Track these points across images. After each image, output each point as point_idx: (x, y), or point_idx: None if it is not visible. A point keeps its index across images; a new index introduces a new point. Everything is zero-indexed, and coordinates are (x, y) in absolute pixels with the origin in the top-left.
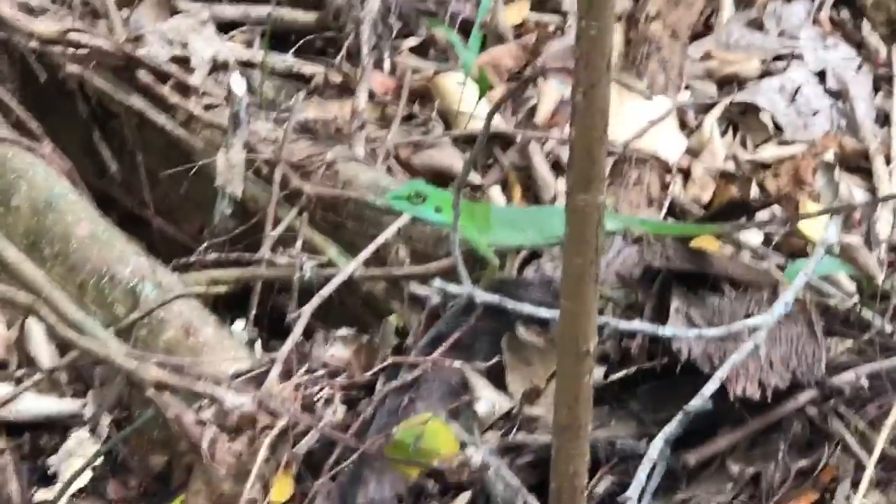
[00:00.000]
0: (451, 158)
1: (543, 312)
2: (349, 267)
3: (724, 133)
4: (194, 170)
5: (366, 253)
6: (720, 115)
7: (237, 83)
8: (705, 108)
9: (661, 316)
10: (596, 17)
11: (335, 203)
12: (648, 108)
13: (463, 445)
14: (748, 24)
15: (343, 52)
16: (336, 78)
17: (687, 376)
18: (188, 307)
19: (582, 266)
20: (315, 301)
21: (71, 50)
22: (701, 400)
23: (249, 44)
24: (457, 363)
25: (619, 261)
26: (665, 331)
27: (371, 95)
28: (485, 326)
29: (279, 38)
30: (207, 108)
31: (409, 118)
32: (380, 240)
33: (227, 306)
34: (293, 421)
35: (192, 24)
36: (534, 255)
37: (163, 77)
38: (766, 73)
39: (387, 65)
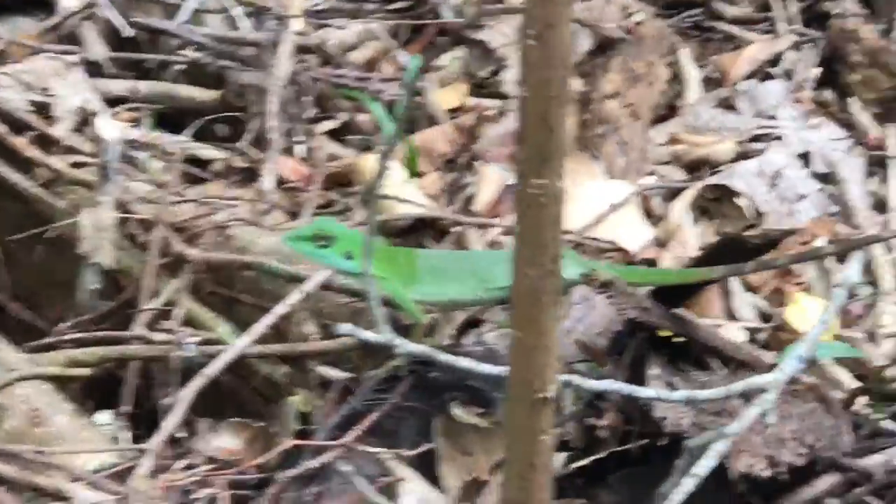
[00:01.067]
0: None
1: (487, 368)
2: (240, 341)
3: (695, 222)
4: (53, 236)
5: (263, 324)
6: (691, 202)
7: (107, 127)
8: (673, 195)
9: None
10: None
11: (228, 274)
12: (607, 192)
13: None
14: (718, 105)
15: (250, 135)
16: (240, 164)
17: (671, 456)
18: (36, 392)
19: (537, 279)
20: (197, 382)
21: None
22: (693, 482)
23: (136, 122)
24: (376, 449)
25: (582, 326)
26: (645, 392)
27: (281, 182)
28: (411, 405)
29: (173, 120)
30: (74, 166)
31: (325, 206)
32: (280, 308)
33: (93, 398)
34: None
35: (55, 66)
36: (470, 323)
37: (18, 127)
38: (741, 156)
39: (299, 150)
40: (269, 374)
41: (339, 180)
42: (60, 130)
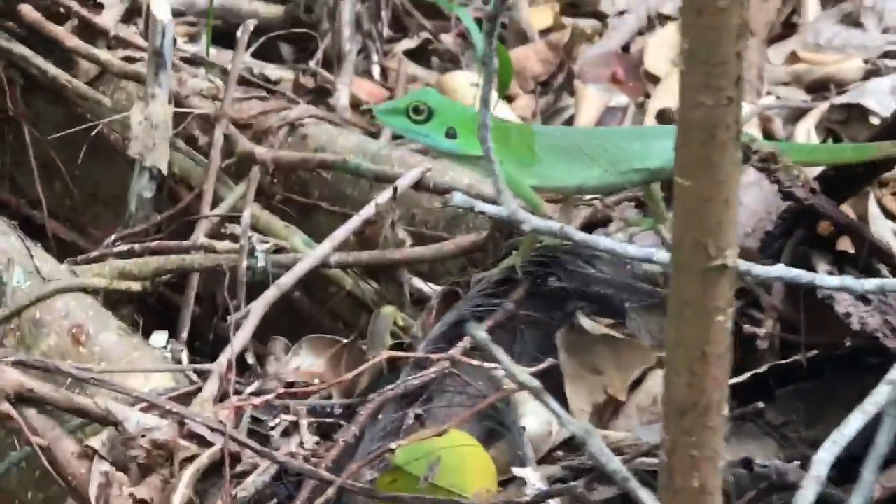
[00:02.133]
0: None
1: (634, 250)
2: (320, 249)
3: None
4: (98, 141)
5: (346, 229)
6: (816, 123)
7: (161, 7)
8: (796, 117)
9: None
10: None
11: (302, 177)
12: None
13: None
14: (841, 21)
15: (319, 53)
16: (309, 83)
17: (853, 370)
18: (79, 305)
19: (713, 109)
20: (270, 293)
21: None
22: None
23: (192, 38)
24: (489, 364)
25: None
26: (829, 281)
27: (356, 105)
28: (528, 315)
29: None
30: (124, 61)
31: None
32: (366, 211)
33: (146, 321)
34: (232, 450)
35: None
36: (593, 223)
37: (58, 16)
38: (871, 74)
39: (376, 71)
40: (353, 291)
41: None
42: (107, 19)
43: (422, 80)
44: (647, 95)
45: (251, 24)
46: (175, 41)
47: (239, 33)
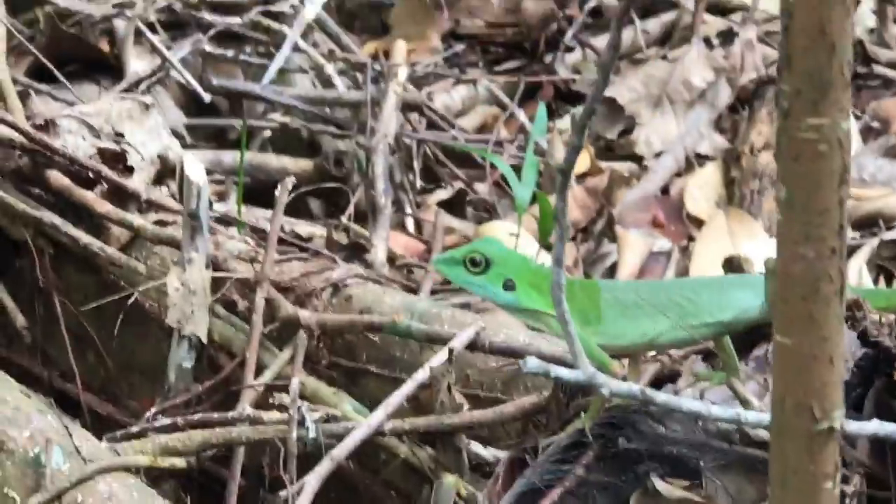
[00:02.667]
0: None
1: (718, 413)
2: (374, 416)
3: (874, 282)
4: (133, 309)
5: (399, 395)
6: (867, 260)
7: (195, 169)
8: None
9: None
10: None
11: (349, 340)
12: (772, 252)
13: None
14: (885, 155)
15: (350, 207)
16: (342, 239)
17: None
18: (122, 486)
19: (815, 261)
20: (324, 466)
21: None
22: None
23: (221, 196)
24: None
25: None
26: None
27: (391, 260)
28: (599, 479)
29: (261, 192)
30: (157, 225)
31: (445, 283)
32: (421, 374)
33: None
34: None
35: (129, 108)
36: (661, 379)
37: (87, 180)
38: None
39: (410, 223)
40: (408, 458)
41: None
42: (137, 182)
43: (458, 232)
44: (691, 238)
45: (290, 181)
46: (210, 203)
47: (277, 192)
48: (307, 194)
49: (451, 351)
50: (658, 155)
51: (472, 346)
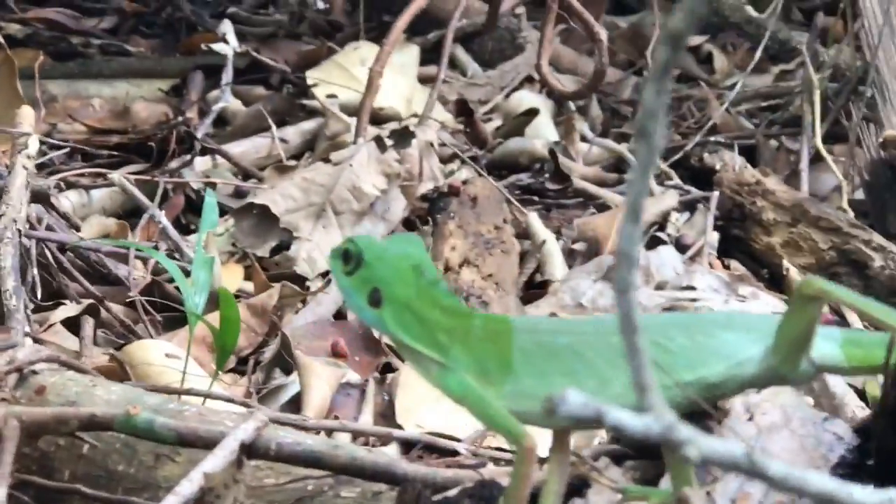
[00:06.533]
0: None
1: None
2: None
3: None
4: None
5: None
6: None
7: None
8: None
9: None
10: None
11: (43, 450)
12: None
13: None
14: (602, 278)
15: None
16: None
17: None
18: None
19: None
20: None
21: None
22: None
23: None
24: None
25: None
26: None
27: None
28: None
29: None
30: None
31: None
32: (187, 487)
33: None
34: None
35: None
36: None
37: None
38: None
39: None
40: None
41: None
42: None
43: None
44: (387, 369)
45: None
46: None
47: None
48: None
49: (243, 447)
50: (325, 275)
51: (252, 450)
